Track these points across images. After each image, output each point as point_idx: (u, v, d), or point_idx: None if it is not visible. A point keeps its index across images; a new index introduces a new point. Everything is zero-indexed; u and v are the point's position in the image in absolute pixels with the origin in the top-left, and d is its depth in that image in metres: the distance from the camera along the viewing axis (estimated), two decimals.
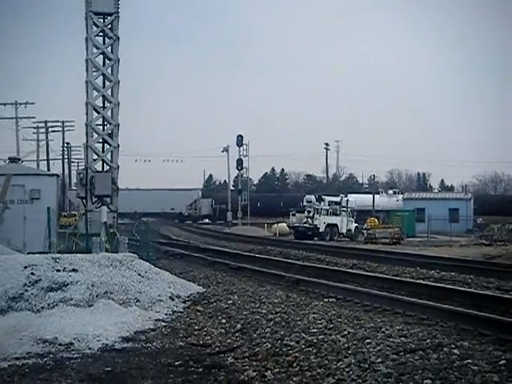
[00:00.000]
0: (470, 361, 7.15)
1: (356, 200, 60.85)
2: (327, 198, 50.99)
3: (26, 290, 12.57)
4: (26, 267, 13.38)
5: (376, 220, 55.45)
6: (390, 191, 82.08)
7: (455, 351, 7.68)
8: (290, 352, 8.91)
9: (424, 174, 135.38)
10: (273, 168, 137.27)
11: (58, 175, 32.62)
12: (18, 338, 10.17)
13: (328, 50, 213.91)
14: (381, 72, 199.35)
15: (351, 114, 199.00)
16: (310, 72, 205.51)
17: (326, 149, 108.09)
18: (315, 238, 46.82)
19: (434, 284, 16.18)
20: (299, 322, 10.47)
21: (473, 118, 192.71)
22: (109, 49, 23.55)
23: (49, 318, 11.56)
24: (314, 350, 8.73)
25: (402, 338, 8.65)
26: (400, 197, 60.24)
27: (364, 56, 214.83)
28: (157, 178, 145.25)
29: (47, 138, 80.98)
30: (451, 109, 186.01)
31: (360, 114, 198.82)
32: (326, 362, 8.15)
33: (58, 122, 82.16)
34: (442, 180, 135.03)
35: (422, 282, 16.80)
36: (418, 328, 9.80)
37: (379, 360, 7.66)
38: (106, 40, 23.58)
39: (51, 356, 9.37)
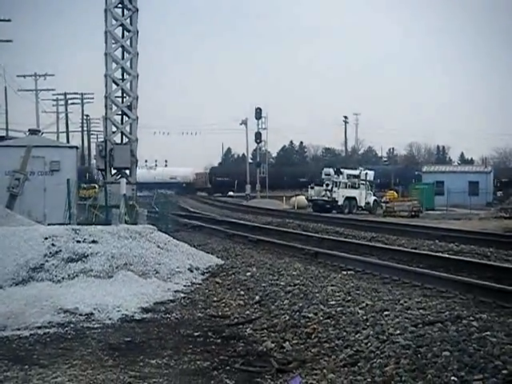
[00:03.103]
0: (488, 333, 7.13)
1: None
2: (346, 171, 50.79)
3: (47, 261, 12.70)
4: (46, 238, 13.50)
5: (395, 193, 55.24)
6: None
7: (474, 323, 7.65)
8: (309, 324, 8.94)
9: (443, 147, 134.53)
10: (291, 141, 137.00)
11: (77, 147, 32.74)
12: (40, 307, 10.28)
13: (352, 22, 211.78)
14: (404, 46, 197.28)
15: (372, 87, 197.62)
16: (331, 44, 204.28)
17: (345, 122, 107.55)
18: (334, 211, 46.70)
19: (452, 257, 16.12)
20: (317, 294, 10.48)
21: (493, 91, 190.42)
22: (128, 20, 23.48)
23: (69, 288, 11.69)
24: (333, 322, 8.75)
25: (421, 311, 8.64)
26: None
27: (388, 29, 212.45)
28: (175, 150, 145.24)
29: (66, 110, 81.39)
30: (473, 80, 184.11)
31: (380, 88, 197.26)
32: (345, 333, 8.17)
33: (77, 94, 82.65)
34: (462, 153, 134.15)
35: (440, 254, 16.74)
36: (436, 300, 9.79)
37: (397, 332, 7.66)
38: (125, 11, 23.50)
39: (72, 326, 9.48)
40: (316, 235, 23.28)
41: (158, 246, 14.48)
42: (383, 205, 47.87)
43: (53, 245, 13.23)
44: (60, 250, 13.08)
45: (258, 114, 74.51)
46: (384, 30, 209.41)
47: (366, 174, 50.92)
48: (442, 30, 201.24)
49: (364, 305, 9.33)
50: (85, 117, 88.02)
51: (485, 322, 7.81)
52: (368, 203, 49.22)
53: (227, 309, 10.72)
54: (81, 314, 10.09)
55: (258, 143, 76.75)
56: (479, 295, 10.80)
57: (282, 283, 11.91)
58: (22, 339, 8.69)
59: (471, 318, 7.95)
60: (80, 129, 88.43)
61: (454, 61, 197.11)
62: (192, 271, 13.83)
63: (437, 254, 17.00)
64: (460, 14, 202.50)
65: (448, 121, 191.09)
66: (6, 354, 7.95)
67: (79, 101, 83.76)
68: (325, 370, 7.11)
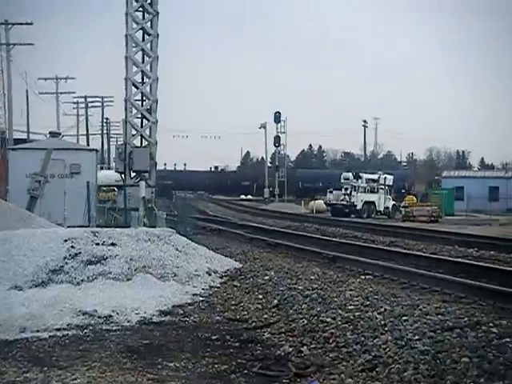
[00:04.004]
0: (508, 339, 7.08)
1: None
2: (365, 176, 50.69)
3: (66, 263, 12.75)
4: (66, 240, 13.55)
5: (414, 198, 55.00)
6: None
7: (493, 330, 7.61)
8: (327, 328, 8.93)
9: (463, 151, 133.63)
10: (310, 145, 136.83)
11: (97, 150, 32.91)
12: (59, 309, 10.33)
13: (372, 29, 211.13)
14: (422, 49, 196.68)
15: (391, 91, 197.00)
16: (352, 50, 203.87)
17: (364, 126, 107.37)
18: (352, 216, 46.61)
19: (472, 262, 16.01)
20: (336, 299, 10.46)
21: None
22: (148, 24, 23.59)
23: (88, 290, 11.74)
24: (351, 327, 8.72)
25: (440, 316, 8.59)
26: None
27: (408, 36, 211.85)
28: (194, 154, 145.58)
29: (87, 113, 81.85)
30: (494, 85, 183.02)
31: (400, 91, 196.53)
32: (363, 338, 8.15)
33: (97, 97, 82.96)
34: (482, 158, 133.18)
35: (460, 260, 16.65)
36: (455, 306, 9.73)
37: (416, 337, 7.62)
38: (146, 15, 23.62)
39: (91, 328, 9.53)
40: (334, 239, 23.25)
41: (177, 249, 14.49)
42: (402, 209, 47.67)
43: (72, 247, 13.29)
44: (79, 253, 13.14)
45: (277, 117, 74.68)
46: (404, 37, 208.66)
47: (385, 178, 50.75)
48: (465, 37, 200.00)
49: (382, 310, 9.30)
50: (105, 120, 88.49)
51: (504, 328, 7.76)
52: (387, 208, 49.06)
53: (245, 312, 10.72)
54: (99, 317, 10.13)
55: (276, 147, 76.83)
56: (499, 301, 10.71)
57: (300, 287, 11.88)
58: (41, 341, 8.75)
59: (491, 325, 7.90)
60: (100, 132, 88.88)
61: (475, 66, 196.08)
62: (210, 274, 13.84)
63: (456, 259, 16.90)
64: (477, 20, 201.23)
65: (468, 125, 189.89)
66: (25, 355, 8.01)
67: (99, 104, 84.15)
68: (343, 375, 7.09)
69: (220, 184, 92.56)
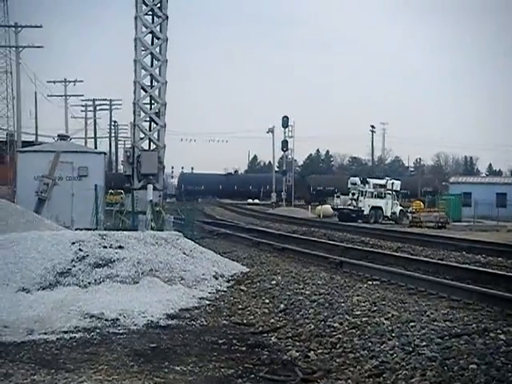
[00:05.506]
0: None
1: None
2: (372, 181, 50.64)
3: (74, 266, 12.78)
4: (73, 243, 13.59)
5: (421, 203, 54.88)
6: None
7: (501, 336, 7.59)
8: (334, 333, 8.91)
9: (471, 157, 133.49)
10: (318, 149, 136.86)
11: (105, 153, 33.02)
12: (66, 312, 10.36)
13: (381, 34, 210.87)
14: (431, 52, 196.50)
15: (399, 96, 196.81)
16: (361, 55, 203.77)
17: (372, 131, 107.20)
18: (359, 221, 46.56)
19: (480, 269, 15.97)
20: (343, 304, 10.44)
21: None
22: (157, 28, 23.63)
23: (95, 293, 11.75)
24: (358, 332, 8.71)
25: (447, 323, 8.58)
26: None
27: (415, 41, 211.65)
28: (202, 157, 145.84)
29: (95, 116, 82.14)
30: (501, 91, 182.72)
31: (408, 97, 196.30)
32: (370, 344, 8.13)
33: (105, 100, 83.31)
34: (490, 164, 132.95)
35: (467, 266, 16.61)
36: (463, 312, 9.72)
37: (424, 343, 7.61)
38: (155, 19, 23.65)
39: (98, 331, 9.53)
40: (341, 244, 23.23)
41: (184, 253, 14.51)
42: (409, 215, 47.58)
43: (80, 250, 13.32)
44: (87, 255, 13.16)
45: (285, 122, 74.63)
46: (411, 42, 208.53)
47: (393, 183, 50.68)
48: (469, 43, 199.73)
49: (390, 315, 9.28)
50: (113, 123, 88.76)
51: None
52: (394, 213, 48.99)
53: (252, 317, 10.71)
54: (107, 320, 10.14)
55: (284, 151, 76.82)
56: (507, 308, 10.69)
57: (307, 292, 11.87)
58: (48, 343, 8.76)
59: (499, 331, 7.88)
60: (108, 135, 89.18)
61: (483, 72, 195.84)
62: (217, 278, 13.84)
63: (464, 265, 16.87)
64: (488, 23, 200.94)
65: (476, 131, 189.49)
66: (32, 357, 8.02)
67: (107, 107, 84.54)
68: (350, 381, 7.08)
69: (227, 188, 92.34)
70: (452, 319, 8.85)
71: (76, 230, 17.74)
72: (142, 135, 23.85)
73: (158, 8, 23.47)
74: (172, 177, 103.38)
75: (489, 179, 74.39)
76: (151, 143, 24.03)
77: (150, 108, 23.89)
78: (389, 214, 48.82)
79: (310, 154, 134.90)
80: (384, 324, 8.83)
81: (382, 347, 7.89)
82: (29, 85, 75.13)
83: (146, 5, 23.35)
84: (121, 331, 9.59)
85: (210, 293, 12.72)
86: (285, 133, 75.21)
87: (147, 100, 23.99)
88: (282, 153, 78.39)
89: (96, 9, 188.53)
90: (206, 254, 15.38)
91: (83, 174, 25.52)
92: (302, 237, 27.35)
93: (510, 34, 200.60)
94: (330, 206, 54.79)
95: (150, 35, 23.83)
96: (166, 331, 9.67)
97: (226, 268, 14.84)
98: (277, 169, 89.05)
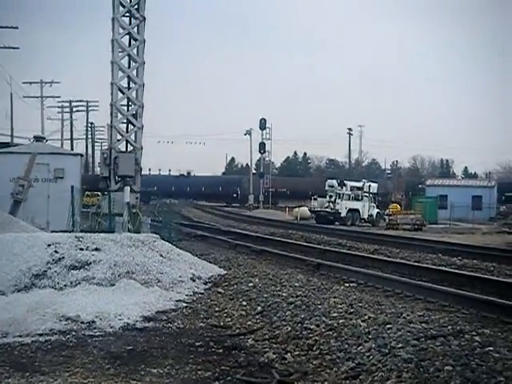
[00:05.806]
0: (491, 348, 7.12)
1: None
2: (349, 183, 50.88)
3: (50, 268, 12.68)
4: (49, 245, 13.49)
5: (398, 206, 55.21)
6: None
7: (476, 338, 7.64)
8: (310, 335, 8.93)
9: (447, 160, 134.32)
10: (295, 152, 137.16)
11: (81, 155, 32.83)
12: (41, 314, 10.26)
13: (356, 35, 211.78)
14: (407, 56, 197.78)
15: (376, 99, 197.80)
16: (337, 57, 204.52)
17: (349, 134, 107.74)
18: (336, 223, 46.76)
19: (455, 271, 16.09)
20: (320, 306, 10.46)
21: (498, 104, 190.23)
22: (135, 29, 23.59)
23: (71, 295, 11.66)
24: (335, 334, 8.72)
25: (423, 324, 8.62)
26: None
27: (392, 43, 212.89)
28: (179, 160, 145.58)
29: (71, 117, 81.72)
30: (477, 94, 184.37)
31: (385, 101, 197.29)
32: (346, 346, 8.15)
33: (82, 101, 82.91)
34: (466, 167, 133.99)
35: (443, 268, 16.71)
36: (439, 314, 9.77)
37: (400, 345, 7.64)
38: (133, 20, 23.61)
39: (73, 333, 9.45)
40: (318, 247, 23.29)
41: (161, 255, 14.46)
42: (386, 217, 47.85)
43: (56, 252, 13.22)
44: (63, 258, 13.07)
45: (263, 124, 74.78)
46: (388, 44, 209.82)
47: (370, 186, 50.94)
48: (445, 45, 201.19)
49: (366, 317, 9.31)
50: (89, 124, 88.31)
51: (487, 337, 7.80)
52: (371, 215, 49.27)
53: (229, 319, 10.69)
54: (82, 322, 10.07)
55: (261, 153, 76.97)
56: (482, 310, 10.77)
57: (284, 294, 11.88)
58: (23, 346, 8.68)
59: (474, 333, 7.93)
60: (84, 136, 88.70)
61: (458, 74, 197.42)
62: (194, 281, 13.81)
63: (440, 267, 16.96)
64: (462, 28, 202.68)
65: (452, 134, 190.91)
66: (7, 360, 7.94)
67: (84, 108, 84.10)
68: (326, 382, 7.10)
69: (180, 189, 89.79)
70: (428, 321, 8.89)
71: (52, 232, 17.61)
72: (119, 137, 23.83)
73: (136, 9, 23.46)
74: None
75: (465, 182, 75.00)
76: (128, 145, 23.99)
77: (128, 110, 23.87)
78: (366, 217, 49.09)
79: (288, 157, 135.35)
80: (361, 326, 8.86)
81: (358, 349, 7.91)
82: (4, 86, 74.53)
83: (124, 6, 23.33)
84: (97, 334, 9.53)
85: (187, 295, 12.69)
86: (262, 135, 75.42)
87: (124, 102, 23.98)
88: (260, 155, 78.56)
89: (73, 10, 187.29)
90: (184, 256, 15.35)
91: (59, 176, 25.34)
92: (279, 239, 27.35)
93: (497, 35, 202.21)
94: (307, 209, 54.88)
95: (128, 37, 23.80)
96: (142, 334, 9.63)
97: (203, 270, 14.82)
98: (254, 171, 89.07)
